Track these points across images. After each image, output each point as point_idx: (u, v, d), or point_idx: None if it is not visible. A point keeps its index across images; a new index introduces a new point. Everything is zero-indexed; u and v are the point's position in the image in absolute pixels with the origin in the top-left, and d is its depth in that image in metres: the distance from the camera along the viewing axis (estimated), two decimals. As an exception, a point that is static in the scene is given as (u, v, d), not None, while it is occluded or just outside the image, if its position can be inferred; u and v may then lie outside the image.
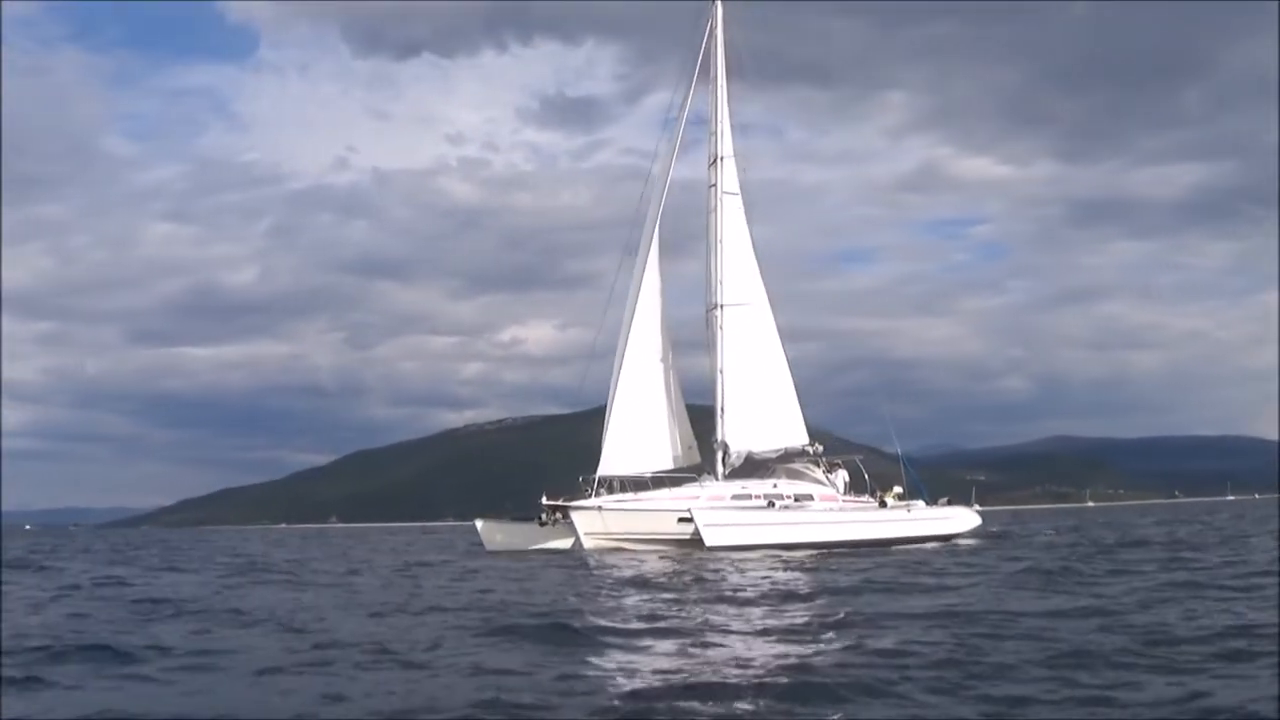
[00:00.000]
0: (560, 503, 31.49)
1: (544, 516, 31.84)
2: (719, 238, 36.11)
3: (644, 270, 34.79)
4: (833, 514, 32.97)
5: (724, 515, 30.50)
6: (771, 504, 32.13)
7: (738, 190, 37.68)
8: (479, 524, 33.69)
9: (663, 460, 34.47)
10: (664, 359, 35.11)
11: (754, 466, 36.51)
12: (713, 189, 36.65)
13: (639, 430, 33.73)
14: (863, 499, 36.09)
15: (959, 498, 40.05)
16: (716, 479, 34.59)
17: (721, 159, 36.43)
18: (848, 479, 37.04)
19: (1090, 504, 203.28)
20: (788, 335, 37.68)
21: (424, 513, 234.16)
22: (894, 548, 31.40)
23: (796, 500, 33.89)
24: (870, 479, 36.70)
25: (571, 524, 30.98)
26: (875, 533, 32.63)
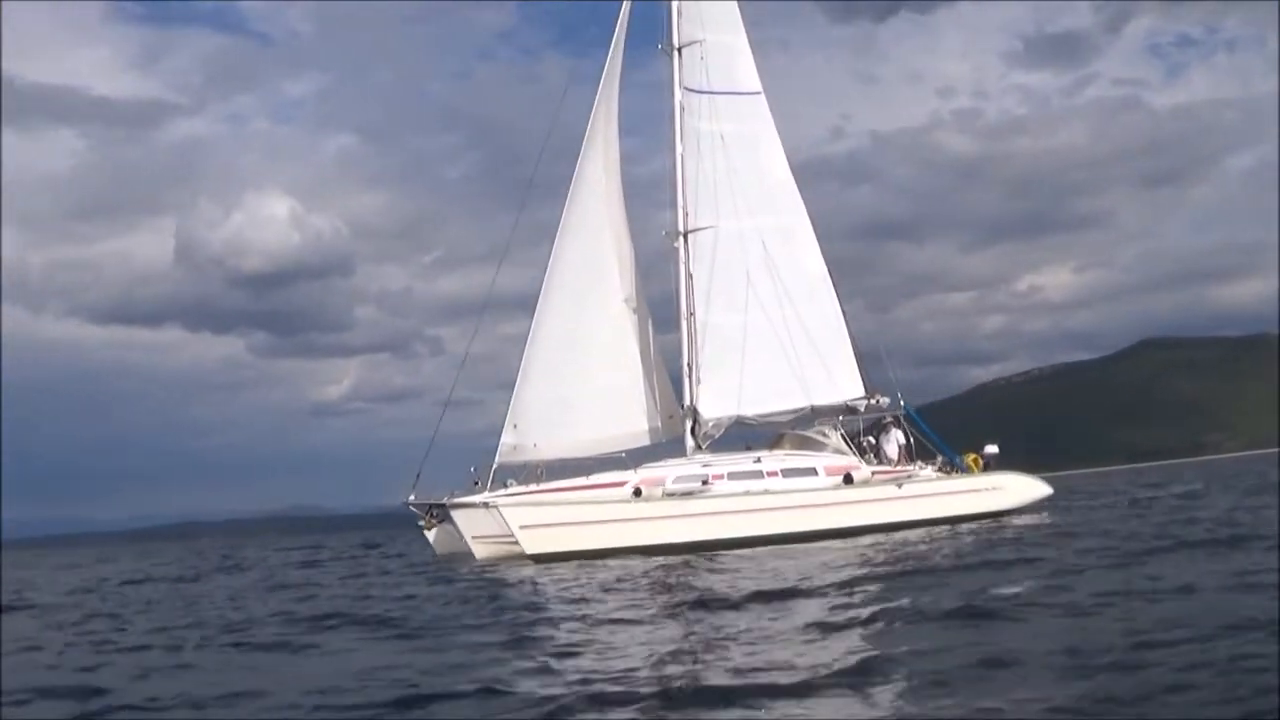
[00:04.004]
0: (437, 502, 25.72)
1: (422, 520, 26.44)
2: (679, 151, 28.07)
3: (596, 172, 27.53)
4: (742, 499, 23.75)
5: (547, 513, 22.87)
6: (638, 491, 23.74)
7: (758, 89, 29.37)
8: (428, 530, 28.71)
9: (630, 436, 27.03)
10: (630, 301, 27.63)
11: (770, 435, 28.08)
12: (686, 90, 28.46)
13: (585, 396, 26.65)
14: (914, 467, 26.63)
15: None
16: (688, 455, 26.81)
17: (679, 49, 28.32)
18: (903, 442, 27.48)
19: None
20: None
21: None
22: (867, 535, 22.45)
23: (784, 476, 25.34)
24: (914, 444, 26.79)
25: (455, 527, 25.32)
26: (817, 521, 23.13)
